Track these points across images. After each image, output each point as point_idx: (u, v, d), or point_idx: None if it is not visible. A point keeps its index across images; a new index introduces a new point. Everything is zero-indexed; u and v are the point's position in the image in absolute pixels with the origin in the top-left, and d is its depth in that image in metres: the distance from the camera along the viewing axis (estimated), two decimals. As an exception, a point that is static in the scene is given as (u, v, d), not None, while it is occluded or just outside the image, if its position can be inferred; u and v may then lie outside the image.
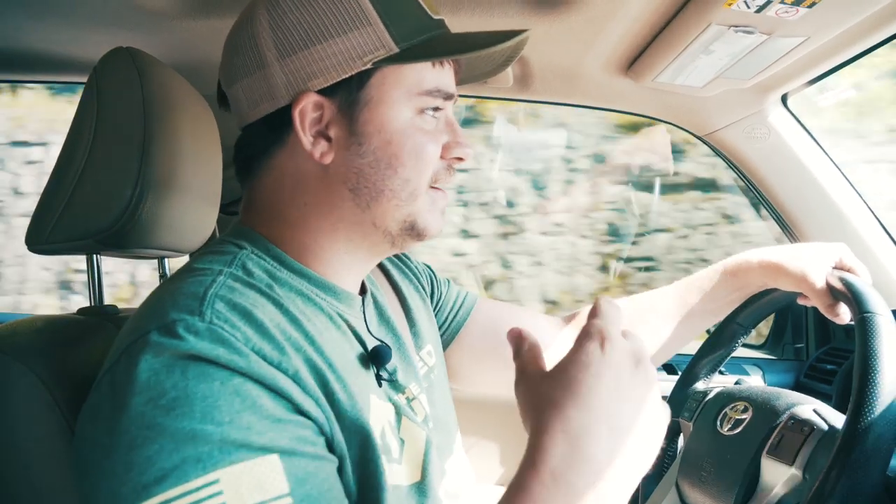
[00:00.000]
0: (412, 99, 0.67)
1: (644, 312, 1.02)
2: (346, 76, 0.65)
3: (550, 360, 0.98)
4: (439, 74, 0.69)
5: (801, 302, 0.92)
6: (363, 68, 0.65)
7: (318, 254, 0.70)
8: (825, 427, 0.80)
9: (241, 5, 0.72)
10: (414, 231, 0.70)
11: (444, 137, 0.70)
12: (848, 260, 0.90)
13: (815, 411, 0.84)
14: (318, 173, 0.68)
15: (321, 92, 0.65)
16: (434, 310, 0.97)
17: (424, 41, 0.67)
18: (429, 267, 1.01)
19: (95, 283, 0.88)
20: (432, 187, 0.71)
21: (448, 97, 0.70)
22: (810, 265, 0.88)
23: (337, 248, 0.70)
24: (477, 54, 0.67)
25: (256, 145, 0.70)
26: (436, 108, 0.69)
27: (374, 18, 0.65)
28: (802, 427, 0.81)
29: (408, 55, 0.65)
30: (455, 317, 0.98)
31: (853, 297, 0.78)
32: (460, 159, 0.72)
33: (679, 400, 1.06)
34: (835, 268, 0.89)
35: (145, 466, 0.49)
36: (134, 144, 0.79)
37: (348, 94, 0.66)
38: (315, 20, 0.64)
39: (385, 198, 0.68)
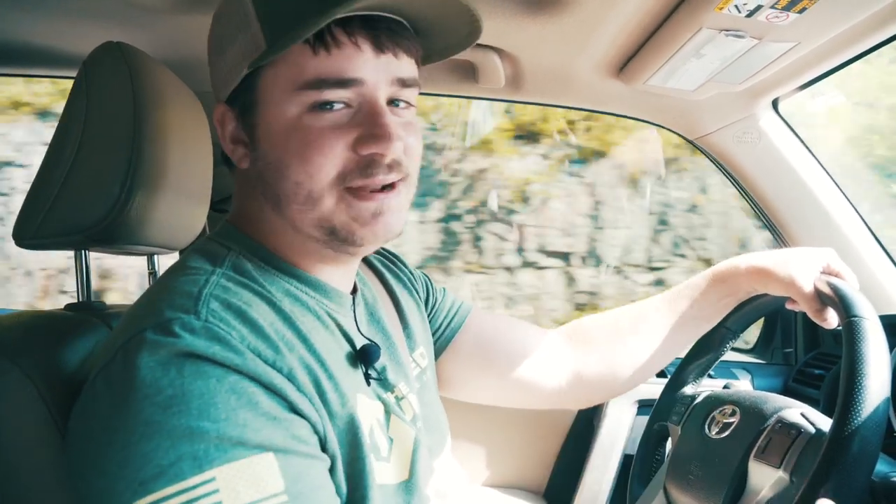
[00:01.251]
0: (293, 95, 0.61)
1: (635, 323, 1.02)
2: (237, 84, 0.65)
3: (545, 373, 0.99)
4: (324, 61, 0.60)
5: (789, 306, 0.93)
6: (245, 73, 0.63)
7: (297, 251, 0.70)
8: (812, 430, 0.80)
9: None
10: (339, 237, 0.65)
11: (354, 132, 0.62)
12: (835, 264, 0.90)
13: (802, 415, 0.84)
14: (245, 177, 0.69)
15: (228, 102, 0.67)
16: (428, 316, 0.97)
17: (289, 29, 0.58)
18: (425, 275, 1.01)
19: (83, 279, 0.87)
20: (348, 188, 0.63)
21: (340, 84, 0.61)
22: (798, 270, 0.88)
23: (308, 247, 0.69)
24: (341, 12, 0.58)
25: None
26: (332, 102, 0.61)
27: (253, 20, 0.62)
28: (790, 430, 0.82)
29: (271, 49, 0.59)
30: (449, 324, 0.98)
31: (840, 302, 0.79)
32: (380, 154, 0.63)
33: (667, 404, 1.06)
34: (823, 272, 0.89)
35: (141, 464, 0.49)
36: (124, 140, 0.78)
37: (243, 101, 0.66)
38: (218, 33, 0.68)
39: (284, 203, 0.64)
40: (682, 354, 1.08)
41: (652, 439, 1.08)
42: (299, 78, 0.61)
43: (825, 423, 0.82)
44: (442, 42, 0.70)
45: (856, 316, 0.75)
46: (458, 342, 0.98)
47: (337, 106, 0.62)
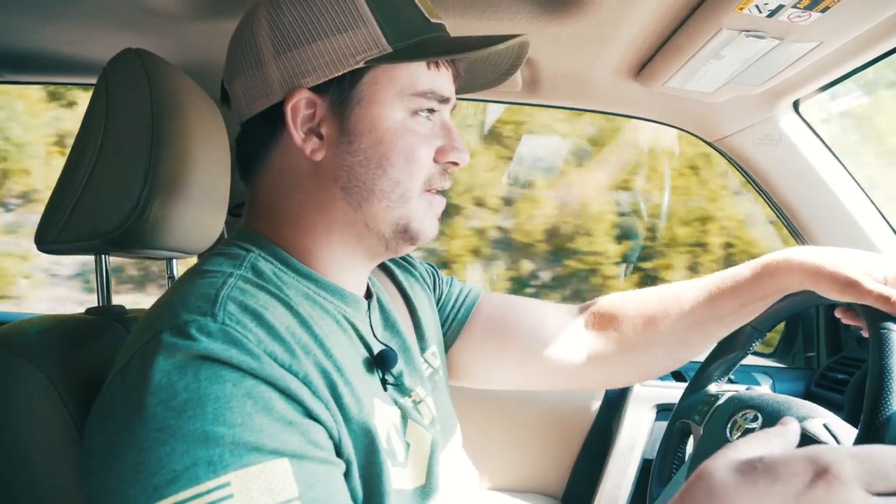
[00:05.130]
0: (405, 100, 0.67)
1: (667, 307, 0.94)
2: (339, 74, 0.65)
3: (563, 350, 0.96)
4: (434, 77, 0.69)
5: (840, 315, 0.84)
6: (355, 67, 0.65)
7: (319, 255, 0.70)
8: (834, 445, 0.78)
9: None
10: (407, 234, 0.70)
11: (439, 141, 0.70)
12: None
13: (825, 426, 0.82)
14: (310, 171, 0.68)
15: (314, 90, 0.66)
16: (437, 307, 0.96)
17: (418, 43, 0.67)
18: (432, 266, 1.00)
19: (103, 284, 0.88)
20: (427, 191, 0.71)
21: (443, 100, 0.70)
22: (858, 272, 0.78)
23: (335, 250, 0.70)
24: (469, 55, 0.68)
25: (253, 142, 0.71)
26: (430, 111, 0.69)
27: (370, 19, 0.65)
28: (810, 443, 0.80)
29: (400, 55, 0.66)
30: (458, 312, 0.97)
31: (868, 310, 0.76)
32: (455, 163, 0.71)
33: (691, 402, 1.04)
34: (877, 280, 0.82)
35: (156, 468, 0.49)
36: (143, 145, 0.79)
37: (340, 93, 0.66)
38: (311, 19, 0.65)
39: (376, 198, 0.68)
40: (710, 348, 1.03)
41: (674, 437, 1.06)
42: (414, 86, 0.67)
43: (848, 436, 0.80)
44: (486, 77, 0.80)
45: (885, 328, 0.72)
46: (469, 327, 0.96)
47: (433, 117, 0.69)
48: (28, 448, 0.65)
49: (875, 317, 0.74)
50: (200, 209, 0.89)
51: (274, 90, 0.67)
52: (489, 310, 0.98)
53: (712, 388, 1.03)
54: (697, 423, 1.00)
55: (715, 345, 1.02)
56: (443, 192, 0.74)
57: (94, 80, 0.84)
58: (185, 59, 1.18)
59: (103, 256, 0.87)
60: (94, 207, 0.79)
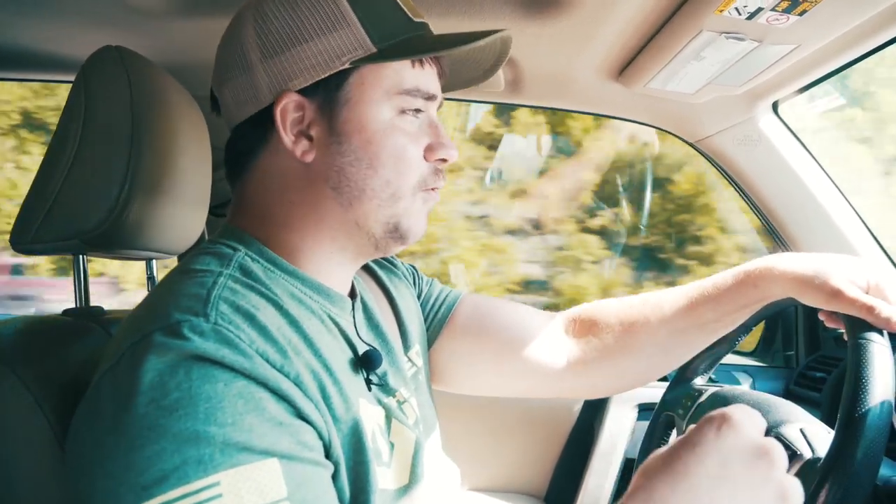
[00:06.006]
0: (392, 99, 0.68)
1: (648, 317, 0.94)
2: (325, 76, 0.66)
3: (544, 356, 0.96)
4: (419, 75, 0.69)
5: (823, 318, 0.84)
6: (341, 68, 0.66)
7: (307, 254, 0.70)
8: (809, 454, 0.77)
9: (230, 5, 0.72)
10: (397, 233, 0.71)
11: (426, 139, 0.71)
12: (882, 284, 0.78)
13: (801, 432, 0.81)
14: (301, 172, 0.68)
15: (302, 92, 0.66)
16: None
17: (402, 42, 0.68)
18: (413, 266, 1.00)
19: (81, 284, 0.87)
20: (423, 190, 0.71)
21: (429, 98, 0.70)
22: (842, 281, 0.77)
23: (324, 248, 0.70)
24: (452, 51, 0.69)
25: (243, 146, 0.71)
26: (417, 110, 0.69)
27: (353, 20, 0.66)
28: (786, 450, 0.79)
29: (384, 55, 0.66)
30: (437, 313, 0.96)
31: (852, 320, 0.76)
32: (444, 160, 0.72)
33: (675, 395, 1.04)
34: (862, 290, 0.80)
35: (145, 467, 0.49)
36: (122, 144, 0.78)
37: (328, 94, 0.67)
38: (296, 23, 0.66)
39: (367, 197, 0.68)
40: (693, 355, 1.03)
41: (658, 429, 1.07)
42: (399, 85, 0.68)
43: (822, 444, 0.79)
44: (469, 74, 0.80)
45: (864, 338, 0.71)
46: (449, 326, 0.95)
47: (420, 116, 0.70)
48: (3, 453, 0.64)
49: (856, 326, 0.74)
50: (181, 209, 0.88)
51: (262, 94, 0.67)
52: (469, 309, 0.97)
53: (698, 381, 1.04)
54: (681, 416, 1.01)
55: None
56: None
57: (72, 78, 0.82)
58: (166, 58, 1.17)
59: (81, 256, 0.86)
60: (73, 207, 0.78)
